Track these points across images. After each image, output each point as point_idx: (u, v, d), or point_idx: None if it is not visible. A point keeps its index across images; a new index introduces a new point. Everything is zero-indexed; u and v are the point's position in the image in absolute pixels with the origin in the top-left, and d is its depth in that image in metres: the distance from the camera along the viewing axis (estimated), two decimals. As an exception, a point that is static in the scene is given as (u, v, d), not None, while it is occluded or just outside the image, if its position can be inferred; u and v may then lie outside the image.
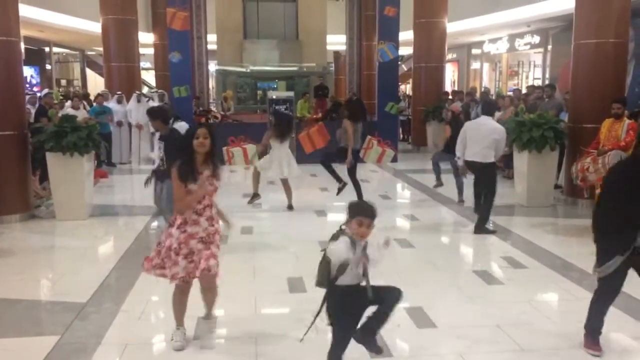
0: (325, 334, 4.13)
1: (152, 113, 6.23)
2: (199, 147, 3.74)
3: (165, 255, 3.77)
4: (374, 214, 3.10)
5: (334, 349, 3.25)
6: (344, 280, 3.07)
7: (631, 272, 3.71)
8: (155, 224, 7.28)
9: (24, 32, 12.58)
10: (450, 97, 14.62)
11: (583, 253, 6.04)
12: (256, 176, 8.18)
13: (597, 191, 6.80)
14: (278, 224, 7.58)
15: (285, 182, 8.09)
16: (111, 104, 12.70)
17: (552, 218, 7.82)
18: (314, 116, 15.80)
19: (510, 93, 13.88)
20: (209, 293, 3.95)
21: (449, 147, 8.08)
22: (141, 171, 12.02)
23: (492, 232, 6.88)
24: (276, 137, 7.91)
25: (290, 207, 8.10)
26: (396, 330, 4.12)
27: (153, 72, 20.77)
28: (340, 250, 3.01)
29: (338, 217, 8.04)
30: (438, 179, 9.05)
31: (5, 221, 7.33)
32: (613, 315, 3.97)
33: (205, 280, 3.82)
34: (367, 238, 3.08)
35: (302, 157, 11.59)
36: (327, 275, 3.11)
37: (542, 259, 5.82)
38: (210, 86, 23.61)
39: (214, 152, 3.86)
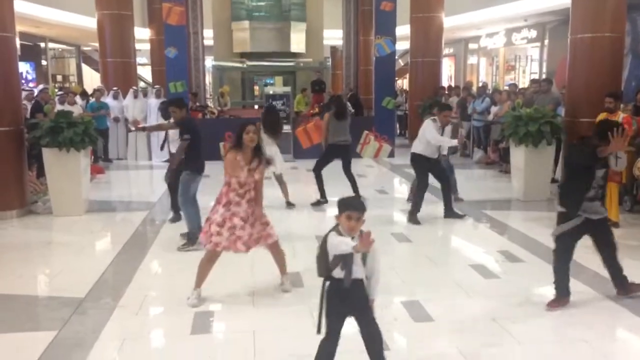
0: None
1: (167, 101, 6.91)
2: (250, 142, 4.44)
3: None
4: (362, 208, 3.11)
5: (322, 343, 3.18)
6: (337, 273, 3.09)
7: None
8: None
9: (19, 27, 12.55)
10: (447, 92, 14.62)
11: (579, 247, 6.07)
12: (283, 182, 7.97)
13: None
14: (275, 219, 7.39)
15: (280, 178, 7.95)
16: (107, 99, 12.68)
17: (548, 212, 7.80)
18: (311, 111, 15.78)
19: (507, 87, 13.88)
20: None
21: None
22: (138, 167, 12.03)
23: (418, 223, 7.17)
24: (271, 133, 7.63)
25: (289, 204, 7.94)
26: (393, 324, 4.14)
27: (149, 67, 20.71)
28: (331, 244, 3.06)
29: (335, 212, 8.03)
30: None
31: (1, 217, 7.33)
32: None
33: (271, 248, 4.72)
34: (356, 232, 3.08)
35: (299, 152, 11.64)
36: (325, 265, 3.12)
37: (539, 252, 5.82)
38: (207, 82, 23.55)
39: (260, 146, 4.55)
